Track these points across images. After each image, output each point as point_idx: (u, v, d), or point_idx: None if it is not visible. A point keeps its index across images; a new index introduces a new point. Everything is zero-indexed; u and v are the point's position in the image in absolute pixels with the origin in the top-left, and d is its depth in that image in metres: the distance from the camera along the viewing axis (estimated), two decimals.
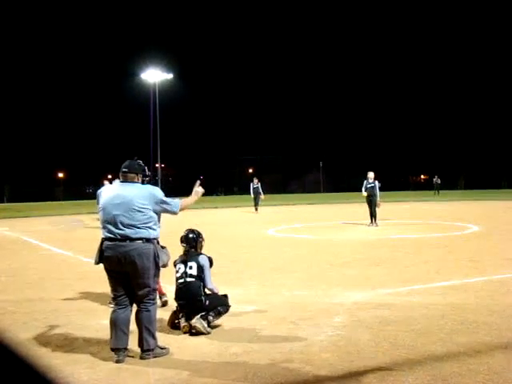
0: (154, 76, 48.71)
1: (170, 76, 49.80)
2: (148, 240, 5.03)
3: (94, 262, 5.22)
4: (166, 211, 5.19)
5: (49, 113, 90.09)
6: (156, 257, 5.06)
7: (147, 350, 5.01)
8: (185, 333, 5.76)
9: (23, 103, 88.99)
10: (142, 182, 5.30)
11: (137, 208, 5.00)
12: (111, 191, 5.21)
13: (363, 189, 18.20)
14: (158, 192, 5.19)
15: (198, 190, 5.63)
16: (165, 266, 5.27)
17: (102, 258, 5.09)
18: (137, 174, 5.25)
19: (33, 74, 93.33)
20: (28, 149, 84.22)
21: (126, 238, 4.97)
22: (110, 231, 5.04)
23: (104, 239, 5.10)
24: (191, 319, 5.73)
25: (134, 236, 4.98)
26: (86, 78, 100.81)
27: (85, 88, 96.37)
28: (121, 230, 4.98)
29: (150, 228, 5.05)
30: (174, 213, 5.24)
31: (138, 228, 4.99)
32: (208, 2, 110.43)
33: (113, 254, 5.00)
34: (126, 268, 4.99)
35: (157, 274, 5.17)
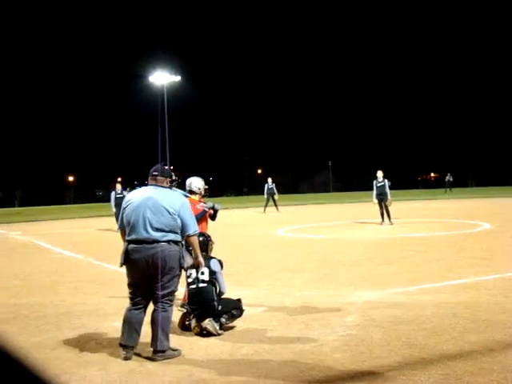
0: (162, 78, 48.78)
1: (178, 78, 49.87)
2: (174, 242, 5.08)
3: (119, 264, 5.23)
4: (181, 226, 5.16)
5: (58, 117, 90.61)
6: (181, 258, 5.12)
7: (160, 351, 5.02)
8: (196, 334, 5.77)
9: (32, 108, 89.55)
10: (170, 187, 5.43)
11: (167, 212, 5.05)
12: (142, 193, 5.26)
13: (374, 192, 18.28)
14: (186, 207, 5.22)
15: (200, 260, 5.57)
16: (189, 267, 5.33)
17: (126, 260, 5.11)
18: (166, 178, 5.38)
19: (41, 79, 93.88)
20: (38, 154, 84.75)
21: (154, 240, 5.01)
22: (137, 233, 5.06)
23: (130, 241, 5.11)
24: (202, 320, 5.73)
25: (161, 239, 5.02)
26: (94, 81, 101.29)
27: (93, 91, 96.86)
28: (149, 232, 5.02)
29: (176, 232, 5.11)
30: (186, 234, 5.19)
31: (167, 232, 5.04)
32: (215, 4, 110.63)
33: (140, 257, 5.01)
34: (151, 269, 5.01)
35: (179, 276, 5.22)
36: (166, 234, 5.04)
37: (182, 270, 5.36)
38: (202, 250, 6.16)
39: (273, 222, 22.91)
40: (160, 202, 5.09)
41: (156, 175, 5.33)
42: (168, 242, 5.04)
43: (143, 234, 5.03)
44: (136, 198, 5.22)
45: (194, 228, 5.23)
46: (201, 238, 6.25)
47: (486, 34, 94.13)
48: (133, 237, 5.08)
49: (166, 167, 5.56)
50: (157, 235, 5.01)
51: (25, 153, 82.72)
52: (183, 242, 5.26)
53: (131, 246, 5.07)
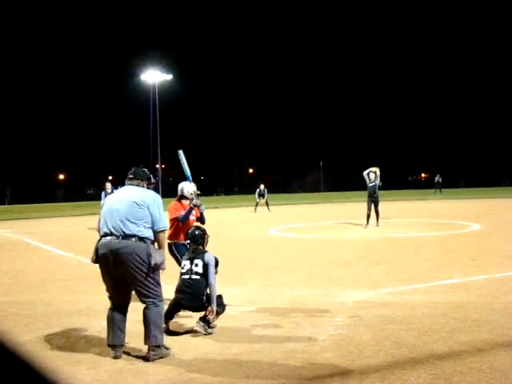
0: (154, 77, 48.72)
1: (170, 77, 49.83)
2: (141, 239, 5.04)
3: (91, 260, 5.25)
4: (151, 222, 5.12)
5: (49, 115, 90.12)
6: (148, 256, 5.01)
7: (156, 346, 4.99)
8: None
9: (24, 105, 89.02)
10: (148, 189, 5.42)
11: (135, 204, 5.06)
12: (117, 192, 5.38)
13: (364, 173, 17.51)
14: (157, 203, 5.19)
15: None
16: (157, 265, 5.06)
17: (97, 256, 5.13)
18: (142, 181, 5.36)
19: (33, 76, 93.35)
20: (29, 151, 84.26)
21: (120, 233, 5.00)
22: (107, 226, 5.10)
23: (101, 236, 5.16)
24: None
25: (127, 232, 5.00)
26: (86, 79, 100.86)
27: (85, 89, 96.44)
28: (116, 224, 5.04)
29: (144, 227, 5.07)
30: (157, 229, 5.14)
31: (133, 223, 5.03)
32: (206, 3, 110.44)
33: (106, 251, 5.01)
34: (118, 267, 4.97)
35: (153, 272, 5.09)
36: (131, 226, 5.01)
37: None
38: (198, 244, 6.17)
39: (264, 221, 22.91)
40: (130, 197, 5.13)
41: (131, 178, 5.34)
42: (134, 236, 5.01)
43: (110, 226, 5.07)
44: (111, 198, 5.33)
45: (162, 224, 5.17)
46: (197, 232, 6.27)
47: (477, 34, 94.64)
48: (103, 230, 5.14)
49: (144, 169, 5.48)
50: (122, 227, 5.01)
51: (15, 150, 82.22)
52: (153, 240, 5.16)
53: (101, 240, 5.12)
